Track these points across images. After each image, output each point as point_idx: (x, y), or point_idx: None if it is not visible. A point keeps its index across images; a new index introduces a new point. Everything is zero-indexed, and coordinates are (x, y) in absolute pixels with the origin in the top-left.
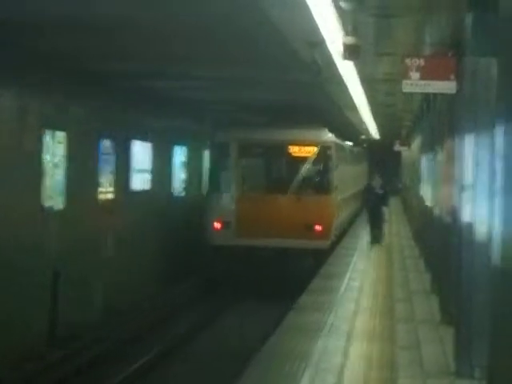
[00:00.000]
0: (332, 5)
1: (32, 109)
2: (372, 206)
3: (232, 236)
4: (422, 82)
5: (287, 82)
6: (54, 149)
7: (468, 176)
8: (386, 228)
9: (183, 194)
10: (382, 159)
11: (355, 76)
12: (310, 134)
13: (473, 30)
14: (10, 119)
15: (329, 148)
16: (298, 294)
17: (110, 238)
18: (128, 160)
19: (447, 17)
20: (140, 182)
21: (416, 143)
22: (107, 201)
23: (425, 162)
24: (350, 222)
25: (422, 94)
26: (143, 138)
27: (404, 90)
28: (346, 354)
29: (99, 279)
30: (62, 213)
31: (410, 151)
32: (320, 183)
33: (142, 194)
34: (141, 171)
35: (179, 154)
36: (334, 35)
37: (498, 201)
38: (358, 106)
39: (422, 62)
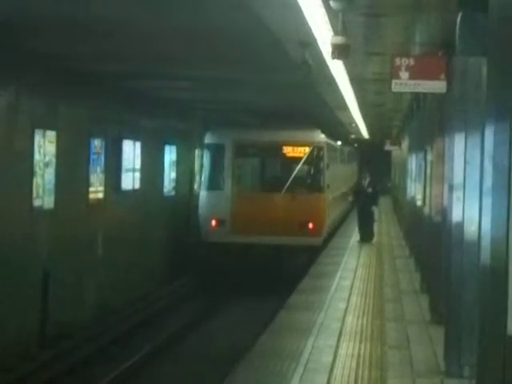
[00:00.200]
0: (322, 4)
1: (23, 108)
2: (362, 205)
3: (227, 233)
4: (412, 82)
5: (277, 82)
6: (45, 148)
7: (458, 175)
8: (375, 227)
9: (173, 193)
10: (372, 158)
11: (345, 76)
12: (303, 135)
13: (463, 29)
14: (1, 119)
15: (321, 148)
16: (292, 289)
17: (101, 237)
18: (119, 159)
19: (437, 16)
20: (130, 181)
21: (406, 143)
22: (98, 200)
23: (415, 162)
24: (342, 220)
25: (411, 93)
26: (134, 138)
27: (393, 90)
28: (335, 354)
29: (90, 278)
30: (53, 212)
31: (400, 151)
32: (313, 182)
33: (132, 193)
34: (131, 170)
35: (169, 154)
36: (323, 35)
37: (488, 200)
38: (348, 105)
39: (411, 61)
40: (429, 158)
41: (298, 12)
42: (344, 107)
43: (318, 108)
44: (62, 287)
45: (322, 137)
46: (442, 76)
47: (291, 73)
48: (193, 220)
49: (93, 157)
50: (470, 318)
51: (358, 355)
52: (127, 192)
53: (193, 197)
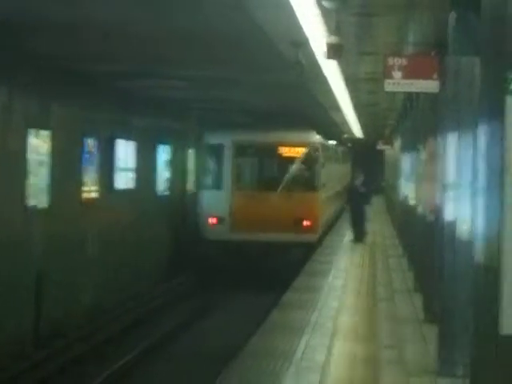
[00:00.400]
0: (315, 4)
1: (16, 108)
2: (354, 205)
3: (226, 231)
4: (405, 82)
5: (271, 82)
6: (39, 148)
7: (451, 175)
8: (368, 226)
9: (167, 192)
10: (365, 158)
11: (338, 75)
12: (299, 136)
13: (455, 29)
14: None
15: (316, 149)
16: (288, 285)
17: (94, 236)
18: (112, 159)
19: (430, 16)
20: (124, 180)
21: (399, 142)
22: (91, 199)
23: (408, 161)
24: (336, 218)
25: (404, 93)
26: (127, 137)
27: (386, 90)
28: (329, 353)
29: (84, 278)
30: (46, 211)
31: (393, 150)
32: (308, 181)
33: (126, 192)
34: (125, 170)
35: (163, 153)
36: (317, 35)
37: (481, 199)
38: (341, 105)
39: (404, 61)
40: (422, 157)
41: (291, 12)
42: (337, 107)
43: (311, 107)
44: (55, 286)
45: (317, 138)
46: (435, 76)
47: (285, 73)
48: (187, 219)
49: (86, 156)
50: (464, 317)
51: (352, 354)
52: (120, 191)
53: (186, 196)
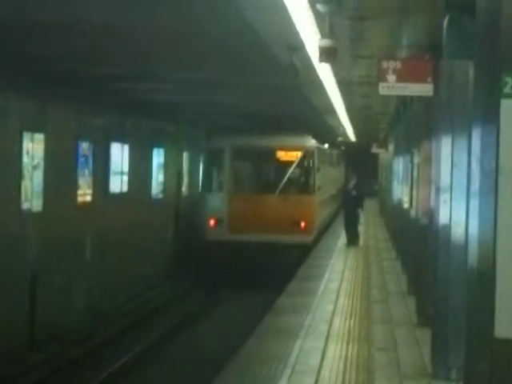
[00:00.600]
0: (308, 7)
1: (11, 111)
2: (348, 208)
3: (225, 232)
4: (399, 85)
5: (265, 85)
6: (33, 151)
7: (445, 178)
8: (361, 230)
9: (161, 195)
10: (359, 161)
11: (332, 79)
12: (295, 141)
13: (449, 32)
14: None
15: (312, 153)
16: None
17: (89, 240)
18: (107, 162)
19: (424, 19)
20: (118, 184)
21: (393, 145)
22: (86, 203)
23: (402, 164)
24: (331, 220)
25: (398, 96)
26: (122, 141)
27: (381, 93)
28: (323, 356)
29: (79, 281)
30: (41, 215)
31: (387, 153)
32: (304, 184)
33: (120, 196)
34: (119, 173)
35: (158, 156)
36: (311, 38)
37: (475, 202)
38: (335, 108)
39: (398, 64)
40: (416, 160)
41: (285, 15)
42: (331, 110)
43: (305, 111)
44: (49, 290)
45: (312, 142)
46: (429, 79)
47: (279, 76)
48: (183, 222)
49: (81, 160)
50: (457, 320)
51: (346, 357)
52: (115, 195)
53: (181, 199)
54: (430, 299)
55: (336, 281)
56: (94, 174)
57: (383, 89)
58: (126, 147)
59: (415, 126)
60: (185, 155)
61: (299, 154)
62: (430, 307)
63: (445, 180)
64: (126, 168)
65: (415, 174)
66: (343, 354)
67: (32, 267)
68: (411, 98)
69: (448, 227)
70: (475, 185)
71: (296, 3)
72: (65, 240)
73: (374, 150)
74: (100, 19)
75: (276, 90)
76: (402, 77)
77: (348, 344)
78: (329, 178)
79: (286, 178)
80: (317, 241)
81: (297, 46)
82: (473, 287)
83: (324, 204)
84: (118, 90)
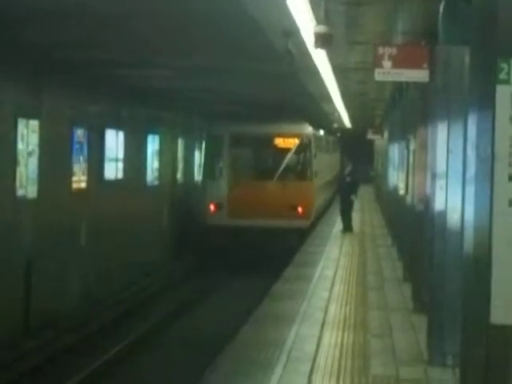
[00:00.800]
0: None
1: (5, 98)
2: (343, 195)
3: (225, 217)
4: (395, 71)
5: (261, 71)
6: (28, 138)
7: (440, 164)
8: (354, 216)
9: (156, 182)
10: (355, 147)
11: (327, 65)
12: (293, 128)
13: (445, 18)
14: None
15: (309, 140)
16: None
17: (84, 226)
18: (102, 149)
19: (419, 5)
20: (113, 170)
21: (389, 131)
22: (81, 189)
23: (397, 151)
24: (327, 205)
25: (394, 82)
26: (117, 127)
27: (376, 79)
28: (319, 343)
29: (74, 268)
30: (36, 201)
31: (382, 140)
32: (301, 170)
33: (115, 182)
34: (114, 160)
35: (152, 143)
36: (306, 24)
37: (471, 189)
38: (331, 95)
39: (394, 50)
40: (411, 146)
41: (280, 0)
42: (327, 97)
43: (300, 97)
44: (44, 276)
45: (309, 129)
46: (425, 65)
47: (274, 62)
48: (178, 209)
49: (76, 146)
50: (453, 306)
51: (341, 344)
52: (110, 182)
53: (176, 186)
54: (425, 285)
55: (332, 267)
56: (89, 161)
57: (379, 75)
58: (121, 134)
59: (411, 112)
60: (180, 142)
61: (297, 140)
62: (426, 293)
63: (441, 166)
64: (120, 155)
65: (411, 160)
66: (339, 340)
67: (27, 254)
68: (407, 84)
69: (444, 213)
70: (471, 171)
71: None
72: (60, 226)
73: (370, 135)
74: (96, 6)
75: (272, 76)
76: (397, 63)
77: (344, 330)
78: (325, 165)
79: (283, 165)
80: (313, 226)
81: (292, 32)
82: (469, 273)
83: (321, 190)
84: (113, 77)
